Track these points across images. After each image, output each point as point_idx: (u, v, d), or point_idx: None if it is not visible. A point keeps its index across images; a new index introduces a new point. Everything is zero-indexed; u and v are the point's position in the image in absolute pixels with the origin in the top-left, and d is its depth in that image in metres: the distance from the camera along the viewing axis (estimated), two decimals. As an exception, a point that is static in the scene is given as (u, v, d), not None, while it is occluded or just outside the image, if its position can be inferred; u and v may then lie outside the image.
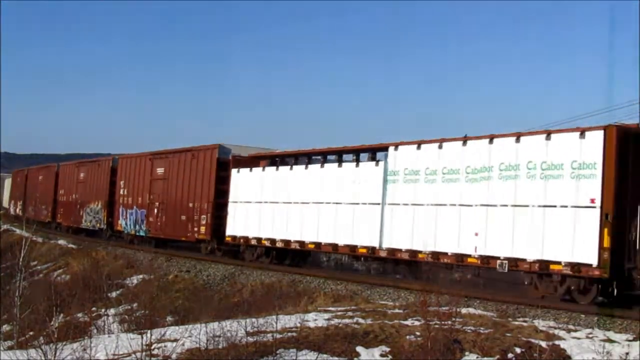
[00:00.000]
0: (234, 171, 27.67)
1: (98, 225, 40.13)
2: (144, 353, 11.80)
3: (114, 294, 24.85)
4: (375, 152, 22.66)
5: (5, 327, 21.78)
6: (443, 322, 12.39)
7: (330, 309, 16.44)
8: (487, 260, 18.32)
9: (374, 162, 22.20)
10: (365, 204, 21.96)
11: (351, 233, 22.18)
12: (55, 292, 20.47)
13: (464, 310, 14.85)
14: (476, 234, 18.60)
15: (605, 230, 15.93)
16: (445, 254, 19.37)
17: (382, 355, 12.13)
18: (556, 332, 13.58)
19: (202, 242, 29.61)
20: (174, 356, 11.94)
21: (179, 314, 20.12)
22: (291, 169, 25.36)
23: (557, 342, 12.72)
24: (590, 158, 16.41)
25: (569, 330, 13.86)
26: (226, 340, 11.96)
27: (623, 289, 16.39)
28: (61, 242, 41.20)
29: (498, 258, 18.02)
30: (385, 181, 21.40)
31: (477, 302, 17.19)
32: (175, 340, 12.86)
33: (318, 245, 23.51)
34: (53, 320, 16.14)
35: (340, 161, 23.73)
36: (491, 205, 18.45)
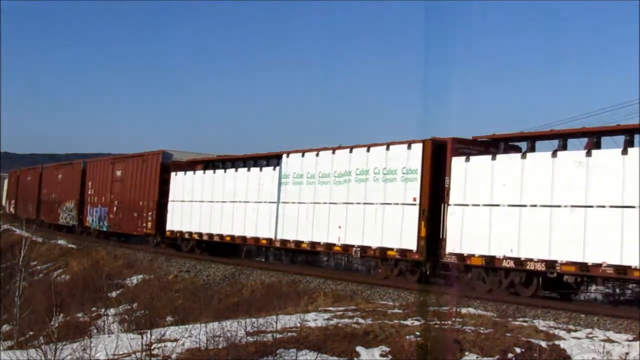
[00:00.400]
0: (172, 174, 31.91)
1: (71, 221, 44.21)
2: (144, 353, 11.80)
3: (114, 294, 24.85)
4: (278, 158, 26.37)
5: (5, 327, 21.77)
6: (443, 322, 12.40)
7: (330, 309, 16.44)
8: (346, 248, 22.59)
9: (272, 167, 26.27)
10: (265, 202, 26.18)
11: (254, 227, 26.45)
12: (55, 292, 20.45)
13: (464, 310, 14.86)
14: (339, 227, 22.79)
15: (422, 223, 20.00)
16: (319, 243, 23.62)
17: (382, 355, 12.13)
18: (556, 332, 13.57)
19: (149, 236, 33.94)
20: (174, 356, 11.94)
21: (179, 314, 20.10)
22: (214, 172, 29.48)
23: (557, 342, 12.72)
24: (414, 165, 20.41)
25: (569, 330, 13.86)
26: (226, 340, 11.97)
27: (436, 270, 20.22)
28: (61, 242, 41.21)
29: (353, 246, 22.12)
30: (280, 183, 25.54)
31: (477, 302, 17.20)
32: (175, 340, 12.86)
33: (233, 237, 27.77)
34: (53, 320, 16.12)
35: (249, 167, 27.83)
36: (349, 203, 22.64)
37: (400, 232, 20.49)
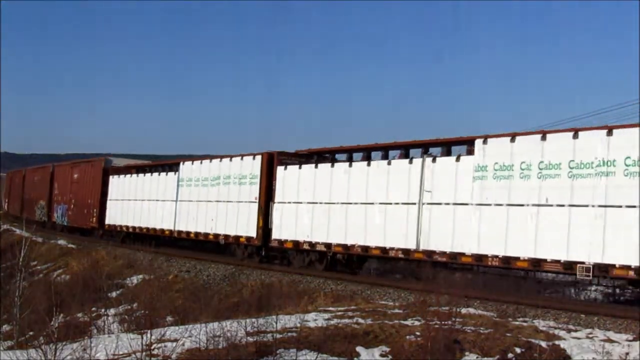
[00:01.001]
0: (110, 177, 39.28)
1: (44, 218, 50.53)
2: (144, 353, 11.80)
3: (114, 294, 24.84)
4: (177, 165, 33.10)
5: (5, 327, 21.77)
6: (443, 322, 12.39)
7: (330, 309, 16.44)
8: (216, 236, 28.79)
9: (173, 172, 32.90)
10: (167, 200, 32.90)
11: (161, 220, 33.36)
12: (55, 292, 20.43)
13: (464, 310, 14.84)
14: (212, 219, 29.19)
15: (260, 216, 26.39)
16: (200, 233, 30.15)
17: (382, 355, 12.13)
18: (556, 332, 13.57)
19: (94, 229, 41.07)
20: (174, 356, 11.93)
21: (179, 314, 20.09)
22: (144, 175, 36.18)
23: (557, 342, 12.71)
24: (257, 172, 26.82)
25: (569, 330, 13.85)
26: (226, 340, 11.96)
27: (268, 252, 26.89)
28: (61, 242, 41.22)
29: (219, 235, 28.51)
30: (178, 185, 31.98)
31: (477, 302, 17.19)
32: (175, 340, 12.86)
33: (147, 229, 34.65)
34: (53, 320, 16.10)
35: (159, 171, 34.59)
36: (219, 201, 28.90)
37: (247, 224, 27.05)
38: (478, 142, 19.27)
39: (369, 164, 22.53)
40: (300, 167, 25.28)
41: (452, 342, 12.15)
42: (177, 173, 32.25)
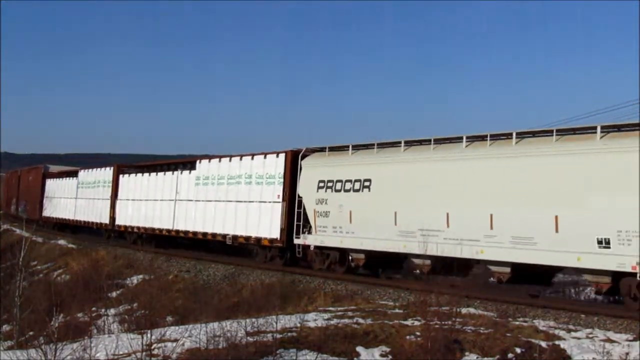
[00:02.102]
0: (47, 180, 51.36)
1: (16, 212, 59.82)
2: (144, 353, 11.81)
3: (114, 294, 24.84)
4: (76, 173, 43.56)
5: (5, 327, 21.78)
6: (443, 322, 12.39)
7: (330, 309, 16.44)
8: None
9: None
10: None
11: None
12: (55, 292, 20.46)
13: (464, 310, 14.84)
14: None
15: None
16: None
17: (382, 355, 12.14)
18: (556, 332, 13.57)
19: (37, 220, 47.10)
20: (174, 356, 11.94)
21: (179, 314, 20.10)
22: (68, 179, 46.56)
23: (557, 342, 12.71)
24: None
25: (569, 330, 13.85)
26: (226, 340, 11.97)
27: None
28: (61, 242, 41.24)
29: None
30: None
31: (477, 302, 17.19)
32: (175, 340, 12.86)
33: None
34: (53, 320, 16.12)
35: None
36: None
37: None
38: (197, 163, 30.36)
39: (157, 174, 34.08)
40: (142, 175, 36.16)
41: (452, 342, 12.15)
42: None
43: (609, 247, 15.49)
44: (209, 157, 30.32)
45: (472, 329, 13.22)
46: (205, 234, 28.99)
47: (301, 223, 23.54)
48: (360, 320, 14.21)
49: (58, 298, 19.73)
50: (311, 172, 23.58)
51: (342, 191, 22.18)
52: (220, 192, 28.18)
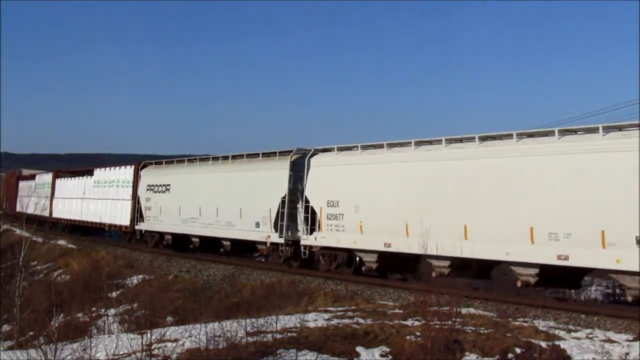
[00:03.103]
0: (20, 182, 62.85)
1: (2, 210, 67.08)
2: (144, 353, 11.80)
3: (114, 294, 24.83)
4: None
5: (5, 327, 21.78)
6: (443, 322, 12.39)
7: (330, 309, 16.43)
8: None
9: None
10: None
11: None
12: (55, 292, 20.47)
13: (464, 311, 14.84)
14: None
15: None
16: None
17: (382, 356, 12.13)
18: (556, 332, 13.56)
19: (16, 215, 55.23)
20: (174, 356, 11.93)
21: (179, 314, 20.10)
22: (34, 180, 57.13)
23: (557, 342, 12.70)
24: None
25: (569, 330, 13.84)
26: (226, 340, 11.97)
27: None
28: (61, 242, 41.27)
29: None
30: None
31: (477, 302, 17.19)
32: (175, 340, 12.86)
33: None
34: (53, 320, 16.12)
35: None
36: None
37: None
38: (95, 170, 41.25)
39: (74, 179, 45.64)
40: (73, 179, 46.47)
41: (452, 342, 12.15)
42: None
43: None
44: (105, 166, 41.53)
45: (472, 329, 13.22)
46: (98, 223, 40.06)
47: (137, 215, 34.72)
48: (360, 321, 14.21)
49: (58, 298, 19.74)
50: (144, 179, 34.51)
51: (158, 192, 32.92)
52: (104, 192, 39.08)
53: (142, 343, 12.03)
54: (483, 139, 18.91)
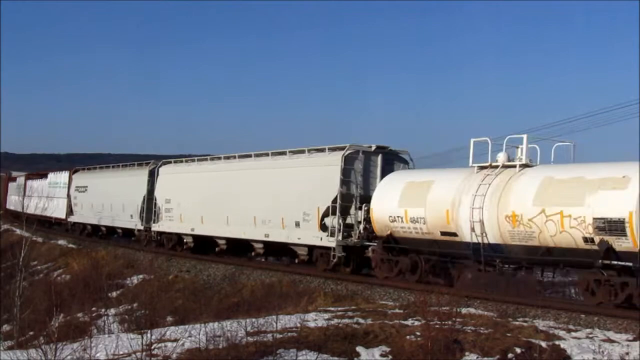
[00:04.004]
0: (9, 183, 68.88)
1: None
2: (144, 353, 11.80)
3: (114, 294, 24.83)
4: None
5: (5, 327, 21.76)
6: (443, 322, 12.39)
7: (331, 309, 16.43)
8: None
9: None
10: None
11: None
12: (55, 292, 20.45)
13: (464, 310, 14.83)
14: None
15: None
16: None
17: (382, 355, 12.14)
18: (556, 332, 13.56)
19: (7, 212, 63.17)
20: (174, 356, 11.93)
21: (179, 314, 20.10)
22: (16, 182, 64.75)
23: (557, 342, 12.71)
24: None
25: (569, 330, 13.84)
26: (226, 340, 11.97)
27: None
28: (61, 242, 41.26)
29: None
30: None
31: (477, 302, 17.18)
32: (175, 340, 12.86)
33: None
34: (53, 320, 16.11)
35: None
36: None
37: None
38: (49, 174, 50.10)
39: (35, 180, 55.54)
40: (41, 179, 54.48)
41: (452, 342, 12.15)
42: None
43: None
44: (59, 169, 51.30)
45: (472, 329, 13.21)
46: (48, 217, 45.67)
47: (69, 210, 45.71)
48: (361, 320, 14.21)
49: (58, 298, 19.71)
50: (75, 181, 45.40)
51: (79, 191, 44.26)
52: (53, 192, 48.03)
53: (142, 343, 12.03)
54: (242, 156, 28.45)
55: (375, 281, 21.49)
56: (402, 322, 13.98)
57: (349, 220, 22.61)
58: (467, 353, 12.03)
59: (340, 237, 22.29)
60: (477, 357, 11.94)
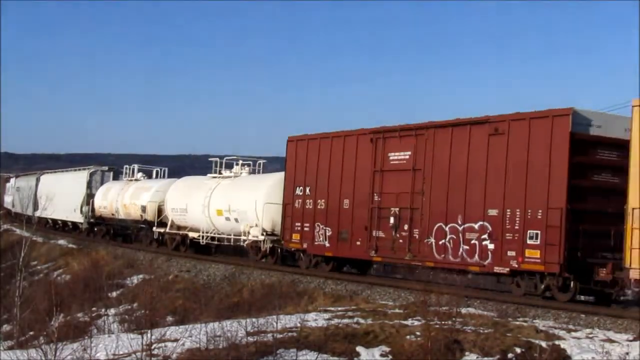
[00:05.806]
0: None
1: None
2: (144, 353, 11.80)
3: (114, 294, 24.84)
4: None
5: (5, 327, 21.79)
6: (443, 322, 12.39)
7: (330, 309, 16.43)
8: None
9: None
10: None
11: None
12: (55, 292, 20.44)
13: (464, 310, 14.83)
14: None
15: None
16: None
17: (382, 355, 12.14)
18: (556, 332, 13.56)
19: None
20: (174, 356, 11.94)
21: (179, 314, 20.11)
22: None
23: (557, 342, 12.71)
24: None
25: (569, 330, 13.84)
26: (226, 340, 11.96)
27: None
28: (61, 242, 41.27)
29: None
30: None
31: (477, 302, 17.19)
32: (175, 340, 12.87)
33: None
34: (53, 320, 16.13)
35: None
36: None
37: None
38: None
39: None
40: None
41: (452, 342, 12.15)
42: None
43: None
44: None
45: (472, 329, 13.22)
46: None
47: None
48: (361, 320, 14.21)
49: (58, 298, 19.71)
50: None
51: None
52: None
53: (142, 343, 12.03)
54: None
55: (375, 281, 21.50)
56: (402, 322, 13.98)
57: None
58: (467, 353, 12.04)
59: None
60: (477, 357, 11.95)
